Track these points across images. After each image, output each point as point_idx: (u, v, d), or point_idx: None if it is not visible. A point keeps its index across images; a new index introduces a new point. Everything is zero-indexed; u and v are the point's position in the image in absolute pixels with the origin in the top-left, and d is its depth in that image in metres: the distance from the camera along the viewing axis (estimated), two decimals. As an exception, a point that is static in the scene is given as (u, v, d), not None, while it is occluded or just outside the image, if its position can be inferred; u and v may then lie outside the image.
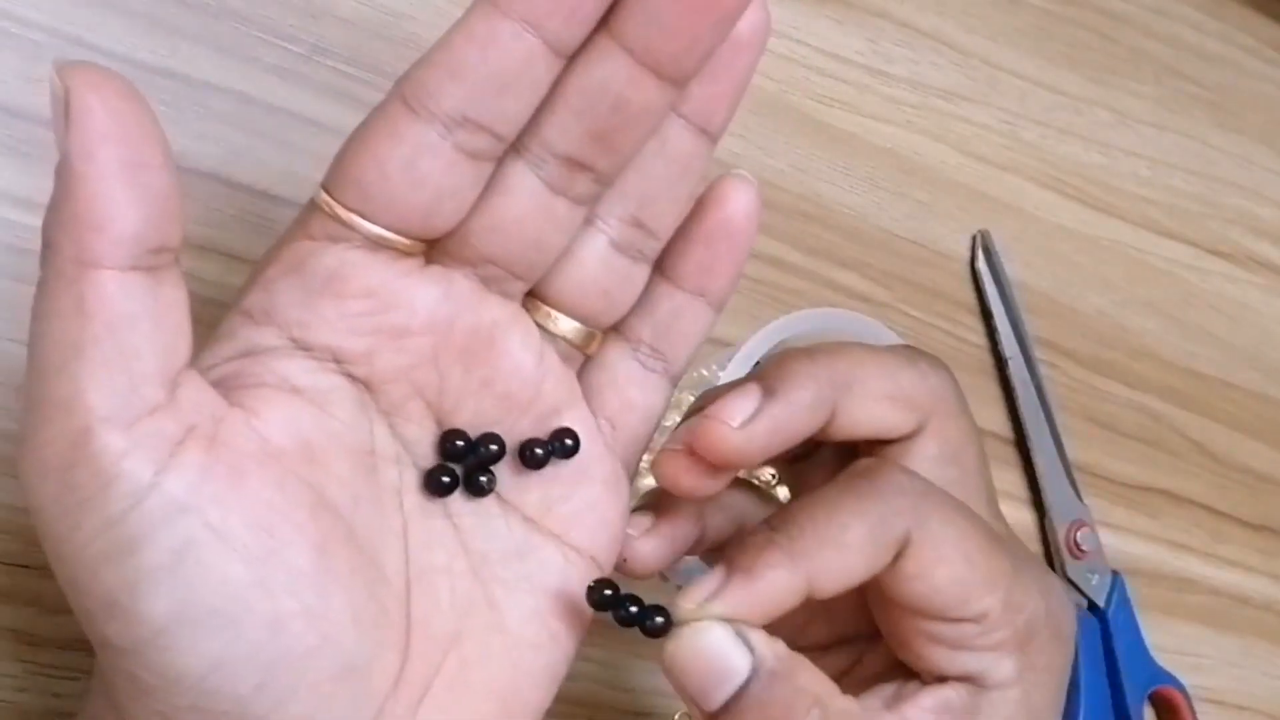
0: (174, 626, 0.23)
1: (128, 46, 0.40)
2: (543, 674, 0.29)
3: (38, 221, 0.38)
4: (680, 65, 0.25)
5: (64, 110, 0.22)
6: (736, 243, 0.30)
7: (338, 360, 0.27)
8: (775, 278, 0.49)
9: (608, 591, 0.27)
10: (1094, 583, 0.52)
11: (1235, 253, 0.61)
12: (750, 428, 0.28)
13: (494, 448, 0.28)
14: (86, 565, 0.23)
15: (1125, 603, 0.53)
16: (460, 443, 0.28)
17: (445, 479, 0.28)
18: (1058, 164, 0.57)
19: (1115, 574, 0.53)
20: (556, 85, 0.26)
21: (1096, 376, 0.56)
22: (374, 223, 0.26)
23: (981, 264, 0.53)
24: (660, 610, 0.26)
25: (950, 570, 0.27)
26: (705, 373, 0.44)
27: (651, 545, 0.30)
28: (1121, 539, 0.55)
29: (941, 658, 0.28)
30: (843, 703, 0.27)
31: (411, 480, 0.28)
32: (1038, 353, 0.54)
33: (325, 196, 0.26)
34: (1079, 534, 0.52)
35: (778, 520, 0.27)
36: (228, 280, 0.40)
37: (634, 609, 0.26)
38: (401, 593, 0.27)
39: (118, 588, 0.23)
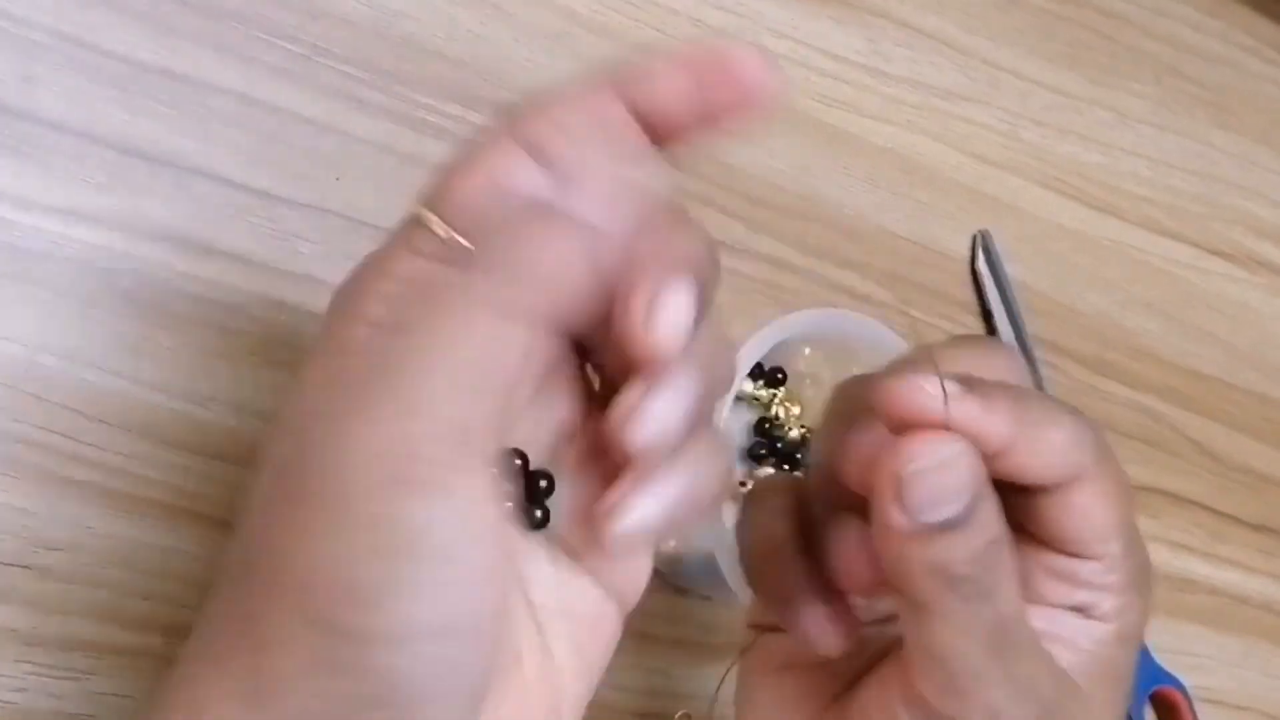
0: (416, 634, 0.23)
1: (128, 46, 0.40)
2: (575, 702, 0.29)
3: (37, 221, 0.38)
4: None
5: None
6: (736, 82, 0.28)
7: None
8: (775, 278, 0.49)
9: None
10: (1094, 583, 0.52)
11: (1235, 253, 0.61)
12: (952, 404, 0.27)
13: (543, 483, 0.29)
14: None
15: (1125, 603, 0.53)
16: (544, 483, 0.28)
17: (539, 514, 0.28)
18: (1058, 164, 0.57)
19: (1115, 574, 0.53)
20: None
21: (1097, 376, 0.56)
22: None
23: (982, 264, 0.53)
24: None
25: (1107, 511, 0.28)
26: (705, 373, 0.44)
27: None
28: (1122, 539, 0.55)
29: (1055, 591, 0.29)
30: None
31: None
32: (1038, 352, 0.54)
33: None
34: (1079, 534, 0.52)
35: (1016, 389, 0.28)
36: (228, 280, 0.40)
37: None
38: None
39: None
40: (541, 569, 0.29)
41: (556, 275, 0.25)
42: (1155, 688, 0.53)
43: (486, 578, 0.24)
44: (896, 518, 0.26)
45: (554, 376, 0.29)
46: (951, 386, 0.27)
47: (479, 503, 0.24)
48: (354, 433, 0.23)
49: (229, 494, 0.40)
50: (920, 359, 0.28)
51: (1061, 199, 0.57)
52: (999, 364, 0.29)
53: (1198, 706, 0.53)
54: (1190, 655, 0.55)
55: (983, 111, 0.56)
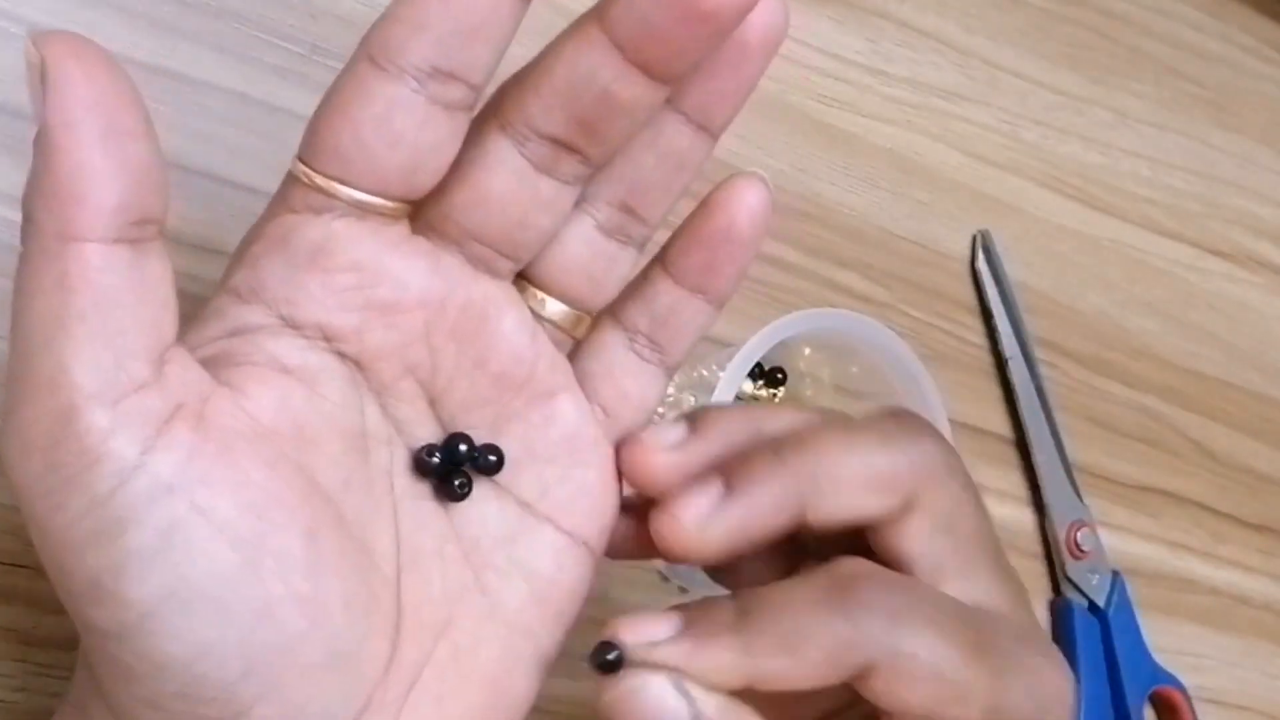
0: (161, 610, 0.22)
1: (128, 46, 0.40)
2: (533, 660, 0.28)
3: (37, 221, 0.38)
4: (669, 68, 0.25)
5: (41, 79, 0.21)
6: (740, 247, 0.29)
7: (327, 338, 0.26)
8: (775, 278, 0.49)
9: (611, 656, 0.25)
10: (1094, 583, 0.52)
11: (1235, 253, 0.61)
12: (707, 530, 0.27)
13: (492, 458, 0.28)
14: (71, 546, 0.22)
15: (1125, 603, 0.53)
16: (464, 447, 0.28)
17: (433, 459, 0.28)
18: (1058, 164, 0.57)
19: (1115, 574, 0.53)
20: (543, 63, 0.26)
21: (1097, 376, 0.56)
22: (354, 188, 0.25)
23: (982, 264, 0.53)
24: (611, 647, 0.25)
25: (920, 690, 0.25)
26: (705, 373, 0.44)
27: (675, 460, 0.29)
28: (1121, 539, 0.55)
29: None
30: None
31: (403, 462, 0.28)
32: (1038, 353, 0.54)
33: (303, 167, 0.26)
34: (1079, 534, 0.52)
35: (745, 603, 0.26)
36: (227, 280, 0.40)
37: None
38: (392, 578, 0.27)
39: (103, 570, 0.22)
40: (488, 522, 0.29)
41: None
42: (1154, 687, 0.53)
43: (213, 539, 0.23)
44: None
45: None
46: (703, 503, 0.27)
47: (128, 460, 0.22)
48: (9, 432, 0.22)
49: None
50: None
51: (1061, 199, 0.57)
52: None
53: (1197, 706, 0.53)
54: (1190, 655, 0.55)
55: (983, 111, 0.56)
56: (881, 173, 0.53)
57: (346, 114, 0.25)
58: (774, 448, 0.28)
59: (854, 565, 0.27)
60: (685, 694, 0.25)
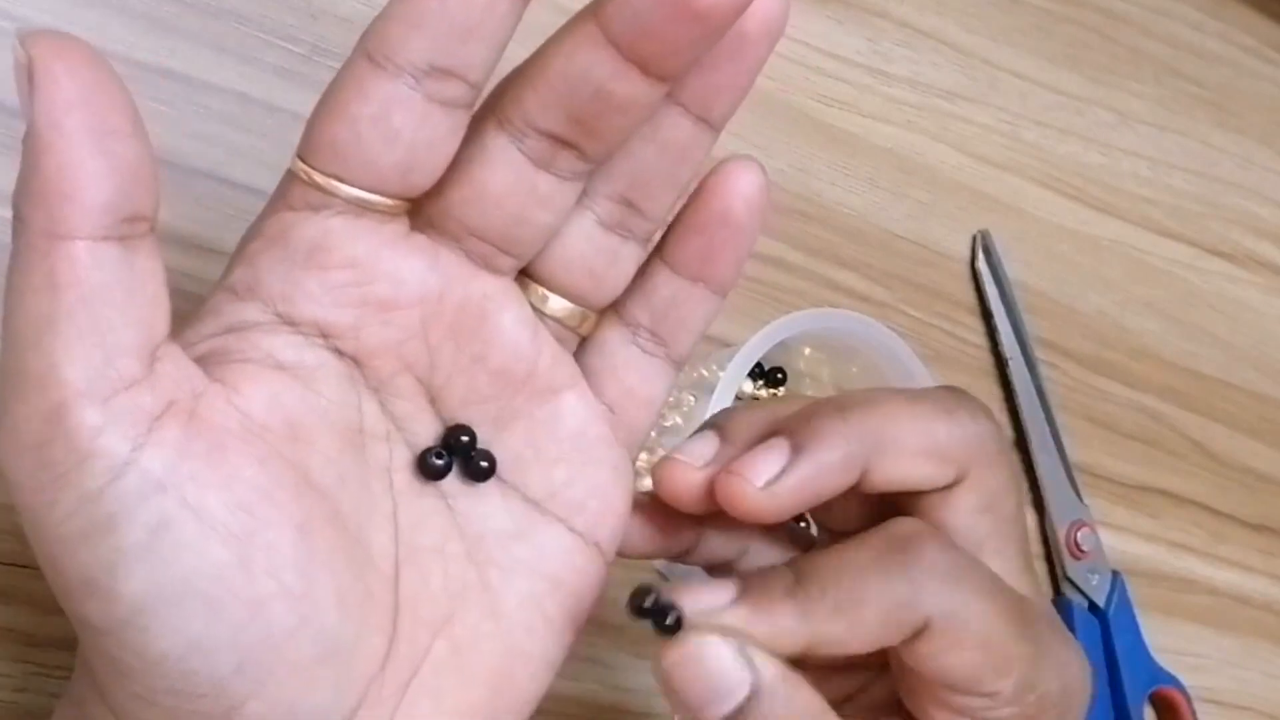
0: (152, 606, 0.22)
1: (128, 46, 0.40)
2: (538, 661, 0.28)
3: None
4: (665, 66, 0.25)
5: (28, 78, 0.21)
6: (738, 231, 0.29)
7: (324, 334, 0.26)
8: (775, 278, 0.49)
9: (670, 620, 0.25)
10: (1094, 583, 0.52)
11: (1235, 253, 0.61)
12: (775, 488, 0.27)
13: (484, 464, 0.28)
14: (63, 543, 0.22)
15: (1125, 603, 0.53)
16: (465, 438, 0.28)
17: (439, 461, 0.27)
18: (1058, 164, 0.57)
19: (1115, 574, 0.53)
20: (540, 59, 0.25)
21: (1097, 376, 0.56)
22: (352, 185, 0.25)
23: (982, 264, 0.53)
24: (665, 606, 0.25)
25: (966, 656, 0.26)
26: (705, 373, 0.44)
27: (700, 478, 0.29)
28: (1121, 539, 0.55)
29: (945, 718, 0.27)
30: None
31: (403, 459, 0.28)
32: (1038, 353, 0.54)
33: (301, 164, 0.26)
34: (1079, 534, 0.52)
35: (802, 569, 0.26)
36: (227, 280, 0.40)
37: (650, 605, 0.26)
38: (389, 574, 0.27)
39: (95, 566, 0.22)
40: (492, 518, 0.28)
41: None
42: (1154, 688, 0.53)
43: (203, 536, 0.23)
44: (676, 709, 0.25)
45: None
46: (772, 464, 0.27)
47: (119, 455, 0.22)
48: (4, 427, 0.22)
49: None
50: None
51: (1061, 199, 0.57)
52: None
53: (1197, 706, 0.53)
54: (1189, 655, 0.55)
55: (983, 111, 0.56)
56: (882, 173, 0.53)
57: (344, 111, 0.25)
58: (839, 408, 0.28)
59: (911, 525, 0.27)
60: (748, 659, 0.25)
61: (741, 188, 0.28)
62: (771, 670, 0.25)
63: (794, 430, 0.28)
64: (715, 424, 0.29)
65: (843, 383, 0.46)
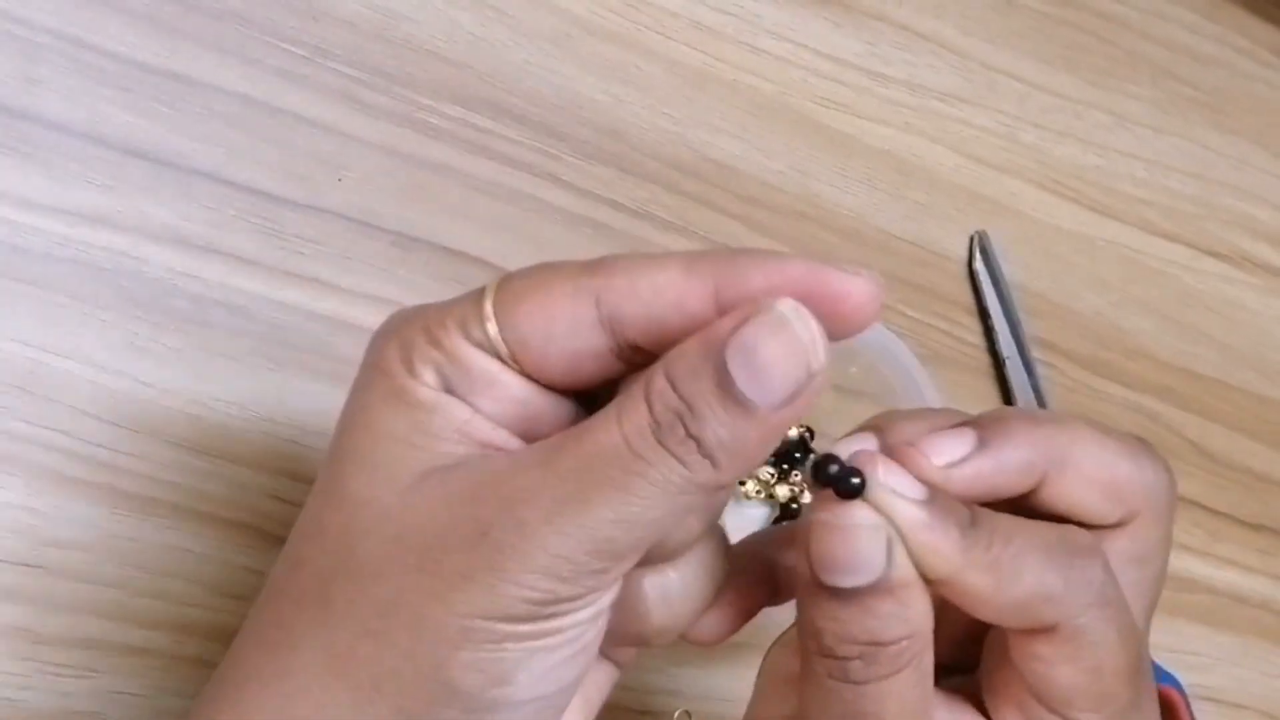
0: None
1: (128, 47, 0.40)
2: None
3: (38, 221, 0.39)
4: None
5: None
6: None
7: None
8: (774, 278, 0.49)
9: (855, 481, 0.25)
10: (1092, 582, 0.52)
11: (1231, 254, 0.61)
12: (953, 472, 0.26)
13: (855, 480, 0.27)
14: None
15: (1123, 602, 0.53)
16: (834, 468, 0.26)
17: (834, 469, 0.26)
18: (1055, 166, 0.57)
19: (1113, 573, 0.53)
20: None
21: (1094, 377, 0.56)
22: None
23: (979, 265, 0.54)
24: (856, 470, 0.25)
25: (1075, 675, 0.26)
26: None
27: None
28: (1119, 539, 0.55)
29: None
30: (929, 662, 0.26)
31: None
32: (1035, 353, 0.54)
33: None
34: (1077, 533, 0.52)
35: (979, 517, 0.26)
36: (229, 281, 0.41)
37: (836, 472, 0.25)
38: None
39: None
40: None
41: None
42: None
43: (584, 662, 0.25)
44: (801, 561, 0.25)
45: None
46: (956, 448, 0.27)
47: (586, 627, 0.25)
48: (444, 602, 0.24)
49: (231, 493, 0.40)
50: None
51: (1059, 200, 0.57)
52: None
53: (1195, 705, 0.53)
54: (1188, 654, 0.56)
55: (980, 114, 0.56)
56: (879, 174, 0.53)
57: None
58: (1032, 416, 0.28)
59: (1090, 538, 0.27)
60: (891, 555, 0.25)
61: None
62: (904, 573, 0.25)
63: (983, 424, 0.27)
64: (978, 423, 0.28)
65: (843, 383, 0.47)
